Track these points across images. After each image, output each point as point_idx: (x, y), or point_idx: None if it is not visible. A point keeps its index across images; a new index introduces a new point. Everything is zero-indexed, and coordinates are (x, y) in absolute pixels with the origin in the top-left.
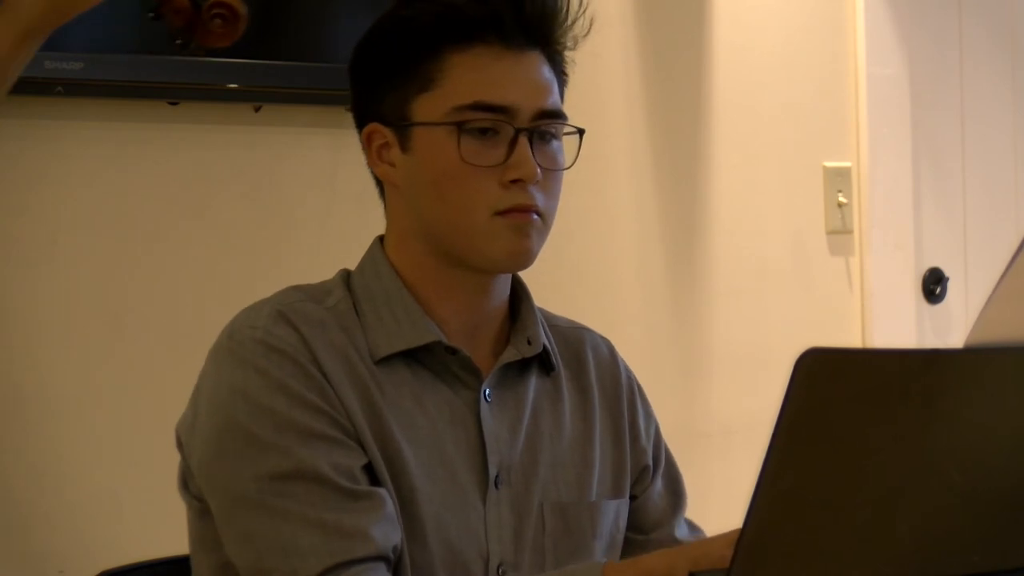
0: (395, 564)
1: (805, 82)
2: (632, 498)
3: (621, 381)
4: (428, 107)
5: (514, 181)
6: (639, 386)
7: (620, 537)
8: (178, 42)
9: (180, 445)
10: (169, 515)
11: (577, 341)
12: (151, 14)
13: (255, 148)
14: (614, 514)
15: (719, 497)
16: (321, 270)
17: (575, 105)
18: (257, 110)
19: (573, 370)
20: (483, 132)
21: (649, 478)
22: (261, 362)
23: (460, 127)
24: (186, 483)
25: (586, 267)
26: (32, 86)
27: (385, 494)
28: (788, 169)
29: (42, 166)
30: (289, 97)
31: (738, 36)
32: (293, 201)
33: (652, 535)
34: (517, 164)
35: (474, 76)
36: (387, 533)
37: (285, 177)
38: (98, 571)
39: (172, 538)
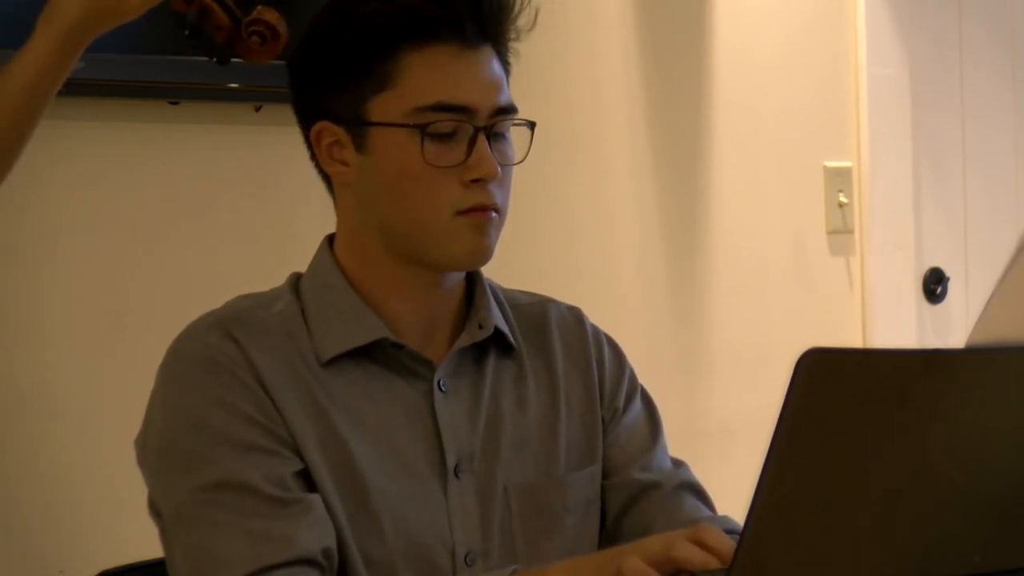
0: (344, 566)
1: (805, 82)
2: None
3: (588, 343)
4: (386, 107)
5: (475, 180)
6: (610, 341)
7: (595, 506)
8: (214, 59)
9: (138, 464)
10: None
11: (540, 316)
12: (186, 31)
13: (256, 148)
14: (586, 483)
15: (719, 496)
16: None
17: (576, 106)
18: (258, 110)
19: (537, 346)
20: (444, 133)
21: (622, 410)
22: (198, 375)
23: (423, 129)
24: (152, 503)
25: (587, 267)
26: None
27: (316, 499)
28: (788, 169)
29: (43, 166)
30: (290, 97)
31: (738, 36)
32: (294, 200)
33: (633, 473)
34: (478, 163)
35: (433, 76)
36: (315, 536)
37: (286, 176)
38: (98, 571)
39: None
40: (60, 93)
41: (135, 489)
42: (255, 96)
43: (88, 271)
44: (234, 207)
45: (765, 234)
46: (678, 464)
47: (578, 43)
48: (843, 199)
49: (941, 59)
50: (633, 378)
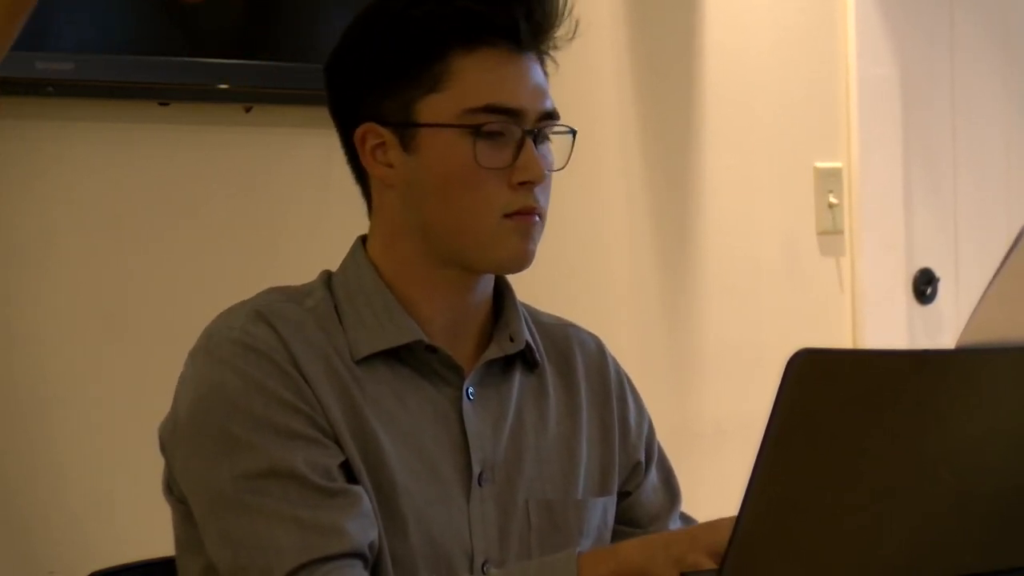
0: (375, 560)
1: (796, 82)
2: (627, 494)
3: (610, 378)
4: (436, 109)
5: (522, 183)
6: (630, 382)
7: (608, 533)
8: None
9: (163, 448)
10: (161, 516)
11: (564, 339)
12: None
13: (246, 148)
14: (601, 511)
15: (711, 497)
16: (313, 270)
17: (567, 106)
18: (248, 110)
19: (559, 367)
20: (493, 135)
21: (642, 473)
22: (238, 362)
23: (475, 130)
24: (170, 486)
25: (578, 267)
26: (23, 87)
27: (361, 491)
28: (779, 170)
29: (33, 167)
30: (280, 97)
31: (729, 37)
32: (285, 201)
33: (650, 528)
34: (525, 166)
35: (485, 78)
36: (363, 529)
37: (276, 177)
38: (89, 572)
39: (164, 539)
40: (50, 94)
41: (128, 489)
42: (245, 97)
43: (79, 271)
44: (224, 208)
45: (756, 235)
46: (691, 522)
47: (569, 45)
48: (833, 200)
49: (932, 59)
50: (651, 427)
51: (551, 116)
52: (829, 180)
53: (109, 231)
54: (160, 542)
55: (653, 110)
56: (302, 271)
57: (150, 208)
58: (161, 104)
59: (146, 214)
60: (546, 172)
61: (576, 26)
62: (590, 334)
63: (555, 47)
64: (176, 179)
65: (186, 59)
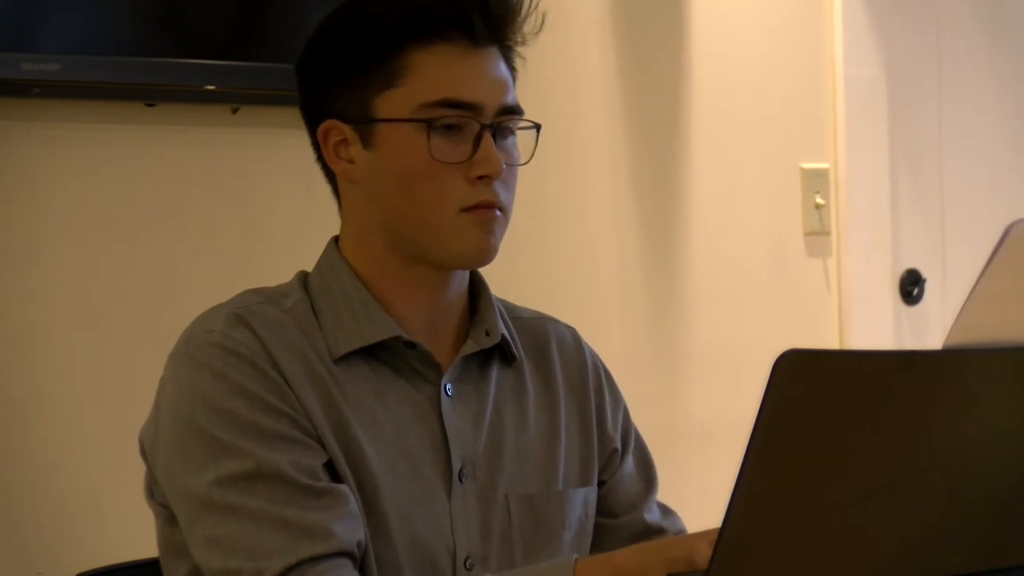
0: (361, 560)
1: (783, 84)
2: (601, 483)
3: (587, 369)
4: (393, 104)
5: (480, 177)
6: (606, 371)
7: (589, 525)
8: None
9: (144, 453)
10: (150, 516)
11: (541, 332)
12: None
13: (233, 149)
14: (582, 502)
15: (698, 498)
16: (298, 270)
17: (554, 108)
18: (235, 111)
19: (537, 361)
20: (449, 129)
21: (618, 461)
22: (218, 366)
23: (429, 124)
24: (152, 491)
25: (565, 269)
26: (9, 88)
27: (347, 491)
28: (766, 171)
29: (19, 168)
30: (267, 99)
31: (716, 39)
32: (271, 202)
33: (623, 518)
34: (483, 160)
35: (441, 73)
36: (351, 529)
37: (263, 178)
38: (77, 572)
39: (153, 539)
40: (37, 95)
41: (115, 490)
42: (232, 98)
43: (65, 273)
44: (211, 209)
45: (743, 236)
46: (669, 511)
47: (555, 45)
48: (820, 201)
49: (919, 60)
50: (627, 415)
51: (512, 110)
52: (816, 181)
53: (95, 232)
54: (148, 543)
55: (639, 111)
56: (289, 271)
57: (136, 209)
58: (148, 105)
59: (133, 215)
60: (505, 166)
61: (543, 20)
62: (567, 326)
63: (521, 42)
64: (163, 180)
65: (173, 60)
